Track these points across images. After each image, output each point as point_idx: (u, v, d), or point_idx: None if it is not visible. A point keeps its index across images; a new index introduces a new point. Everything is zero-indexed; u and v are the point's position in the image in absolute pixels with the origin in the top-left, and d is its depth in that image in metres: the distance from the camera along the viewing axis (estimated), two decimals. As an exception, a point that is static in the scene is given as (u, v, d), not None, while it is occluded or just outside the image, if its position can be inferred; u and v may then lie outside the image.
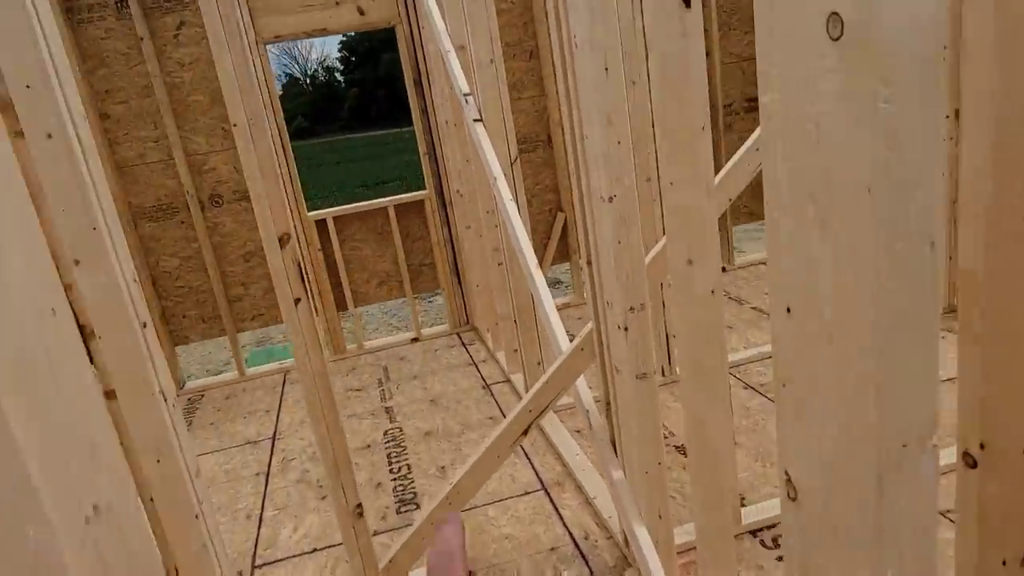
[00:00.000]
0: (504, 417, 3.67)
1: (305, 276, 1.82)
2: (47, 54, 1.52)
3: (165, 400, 1.80)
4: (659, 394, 2.14)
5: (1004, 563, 0.90)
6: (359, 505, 2.05)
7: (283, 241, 1.78)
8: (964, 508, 0.91)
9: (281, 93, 57.84)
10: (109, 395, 1.74)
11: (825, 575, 0.79)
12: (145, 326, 1.76)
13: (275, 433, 3.90)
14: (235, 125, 1.71)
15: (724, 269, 5.36)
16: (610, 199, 1.91)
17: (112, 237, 1.67)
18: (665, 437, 3.14)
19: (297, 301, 1.83)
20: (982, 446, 0.86)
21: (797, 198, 0.68)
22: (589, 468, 2.93)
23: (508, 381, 4.08)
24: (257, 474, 3.47)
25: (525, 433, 2.37)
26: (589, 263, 2.18)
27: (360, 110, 52.78)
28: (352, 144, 40.51)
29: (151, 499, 1.83)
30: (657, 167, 2.78)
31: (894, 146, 0.58)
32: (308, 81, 58.44)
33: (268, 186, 1.75)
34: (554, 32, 2.05)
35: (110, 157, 4.31)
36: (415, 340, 5.04)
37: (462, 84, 3.36)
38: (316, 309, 4.76)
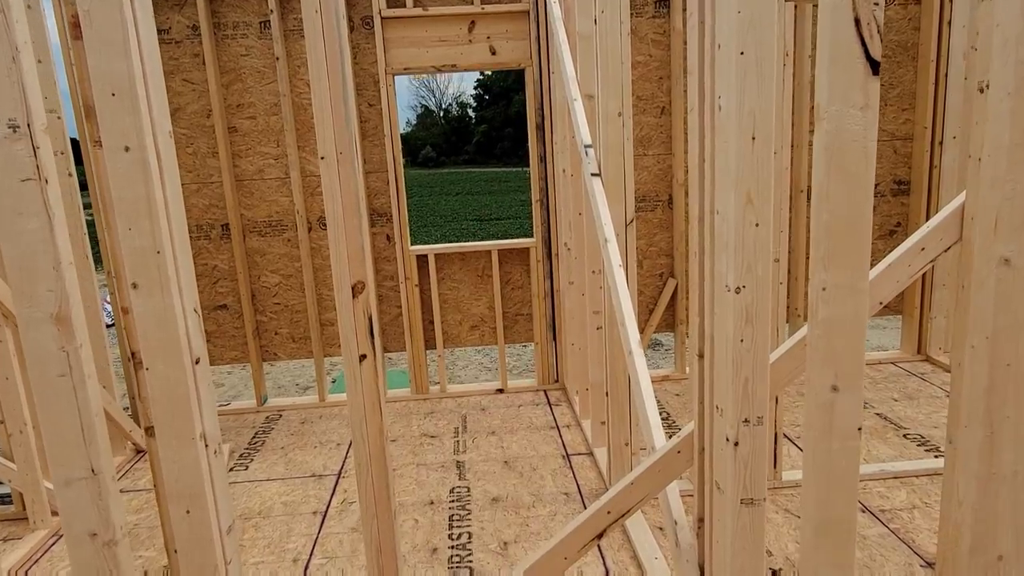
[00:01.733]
0: (580, 495, 3.35)
1: (374, 332, 1.62)
2: (138, 63, 1.41)
3: (206, 446, 1.63)
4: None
5: None
6: (398, 596, 1.80)
7: (357, 290, 1.59)
8: None
9: (415, 124, 60.40)
10: (148, 432, 1.59)
11: None
12: (198, 362, 1.61)
13: (341, 470, 3.75)
14: (322, 158, 1.55)
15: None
16: (737, 290, 1.61)
17: (177, 263, 1.53)
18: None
19: (362, 358, 1.63)
20: None
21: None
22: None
23: (591, 454, 3.76)
24: (315, 512, 3.30)
25: (600, 537, 2.06)
26: (701, 356, 1.87)
27: (486, 146, 54.08)
28: (474, 178, 41.43)
29: (175, 551, 1.66)
30: (790, 260, 2.43)
31: None
32: (441, 114, 60.67)
33: (349, 227, 1.57)
34: (694, 91, 1.79)
35: (231, 169, 4.38)
36: (500, 391, 4.81)
37: (585, 135, 3.14)
38: (404, 344, 4.64)
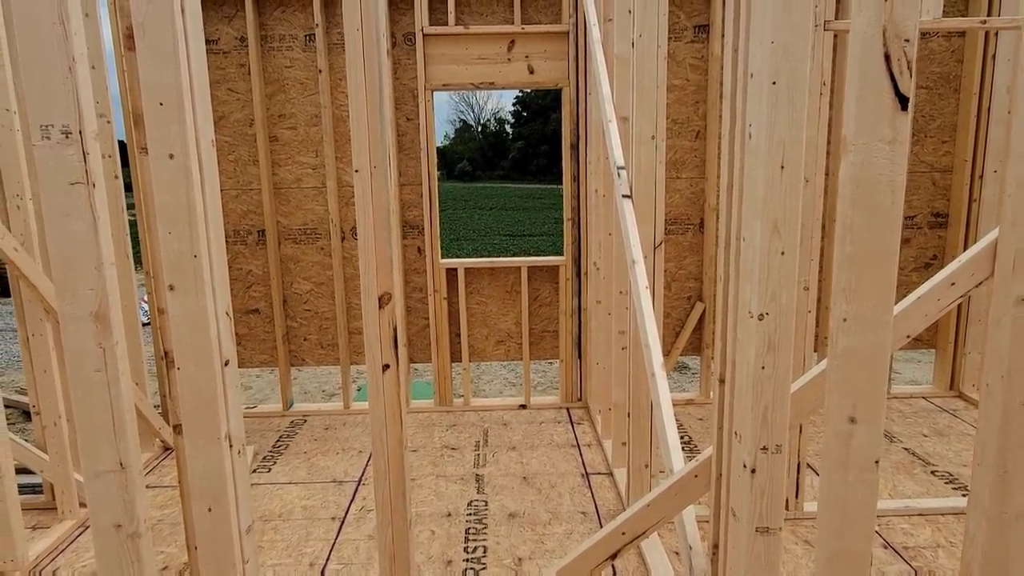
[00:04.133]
0: (598, 515, 3.34)
1: (398, 343, 1.65)
2: (186, 75, 1.47)
3: (231, 447, 1.67)
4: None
5: None
6: (410, 605, 1.82)
7: (383, 301, 1.63)
8: None
9: (453, 137, 61.01)
10: (176, 430, 1.64)
11: None
12: (227, 364, 1.65)
13: (362, 477, 3.78)
14: (357, 171, 1.59)
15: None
16: (760, 317, 1.61)
17: (212, 268, 1.58)
18: (779, 589, 2.67)
19: (385, 368, 1.66)
20: None
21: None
22: (682, 606, 2.53)
23: (611, 474, 3.74)
24: (333, 518, 3.34)
25: (614, 557, 2.05)
26: (722, 381, 1.87)
27: (522, 162, 54.33)
28: (508, 193, 41.64)
29: (195, 547, 1.70)
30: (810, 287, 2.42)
31: None
32: (479, 129, 61.21)
33: (378, 239, 1.61)
34: (726, 117, 1.81)
35: (270, 177, 4.49)
36: (523, 407, 4.81)
37: (618, 156, 3.16)
38: (430, 356, 4.68)
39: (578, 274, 4.66)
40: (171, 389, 1.63)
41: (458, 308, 4.69)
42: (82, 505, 3.39)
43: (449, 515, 3.37)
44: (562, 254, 4.71)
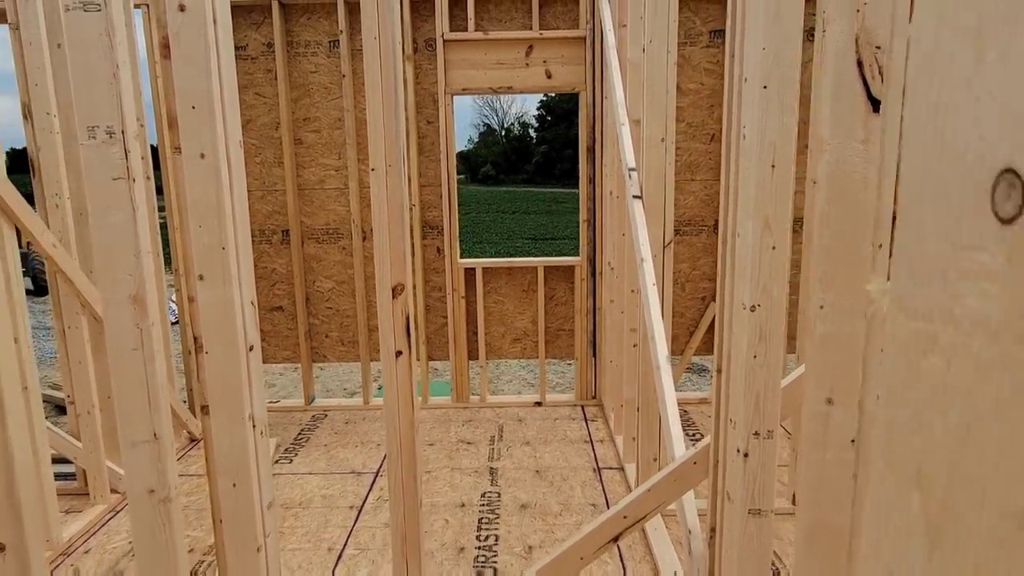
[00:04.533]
0: (607, 506, 3.42)
1: (411, 331, 1.76)
2: (216, 81, 1.60)
3: (254, 427, 1.79)
4: (777, 528, 1.84)
5: None
6: (419, 579, 1.92)
7: (396, 291, 1.74)
8: None
9: (477, 141, 61.29)
10: (204, 410, 1.76)
11: None
12: (251, 349, 1.77)
13: (380, 469, 3.91)
14: (373, 169, 1.71)
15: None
16: (752, 308, 1.69)
17: (239, 259, 1.70)
18: (777, 572, 2.74)
19: (398, 354, 1.77)
20: None
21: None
22: (686, 595, 2.61)
23: (621, 469, 3.82)
24: (351, 507, 3.46)
25: (615, 540, 2.14)
26: (719, 371, 1.95)
27: (545, 166, 54.45)
28: (531, 197, 41.72)
29: (220, 520, 1.82)
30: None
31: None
32: (503, 133, 61.42)
33: (393, 234, 1.72)
34: (725, 120, 1.89)
35: (294, 178, 4.64)
36: (538, 404, 4.91)
37: (629, 158, 3.26)
38: (448, 354, 4.79)
39: (593, 274, 4.75)
40: (199, 373, 1.76)
41: (476, 307, 4.80)
42: (113, 491, 3.55)
43: (463, 505, 3.47)
44: (578, 256, 4.81)
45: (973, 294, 0.41)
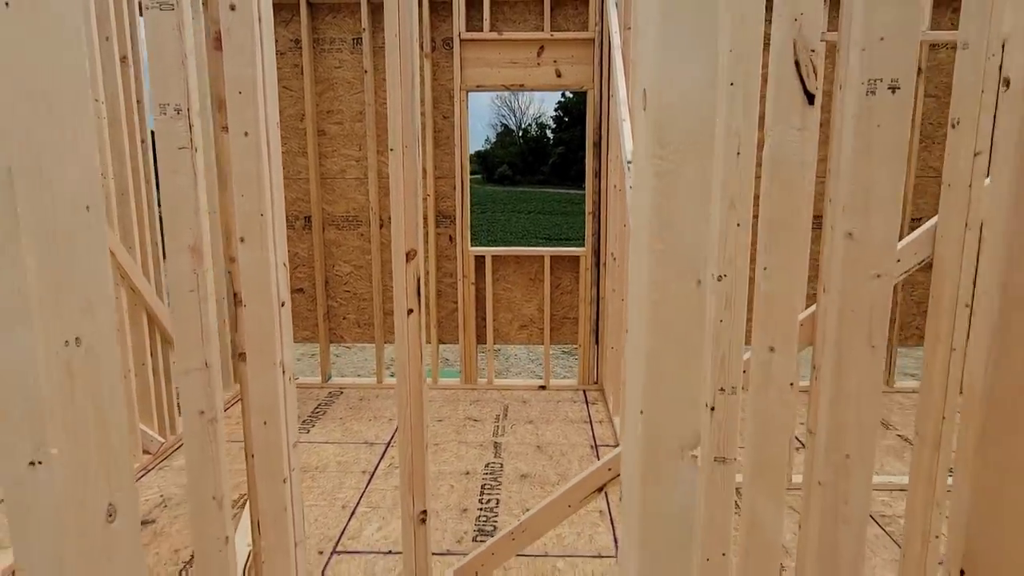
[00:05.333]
0: (602, 490, 3.66)
1: (421, 292, 2.02)
2: (260, 72, 1.87)
3: (283, 372, 2.06)
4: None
5: None
6: (424, 512, 2.18)
7: (409, 256, 2.00)
8: (942, 643, 0.86)
9: (494, 141, 61.53)
10: (240, 357, 2.03)
11: None
12: (283, 305, 2.04)
13: (391, 440, 4.17)
14: (391, 149, 1.97)
15: (881, 391, 4.96)
16: (719, 278, 1.93)
17: (274, 225, 1.97)
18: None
19: (410, 312, 2.03)
20: (963, 572, 0.82)
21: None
22: (668, 551, 2.85)
23: (617, 446, 4.06)
24: (364, 472, 3.73)
25: (600, 490, 2.39)
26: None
27: (562, 167, 54.60)
28: (547, 198, 41.94)
29: (252, 455, 2.09)
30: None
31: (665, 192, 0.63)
32: (520, 133, 61.67)
33: (407, 206, 1.98)
34: (702, 113, 2.14)
35: (317, 167, 4.93)
36: (542, 388, 5.16)
37: (628, 152, 3.50)
38: (458, 337, 5.05)
39: (597, 264, 4.99)
40: (238, 324, 2.03)
41: (485, 293, 5.05)
42: (145, 452, 3.84)
43: (468, 473, 3.73)
44: (583, 247, 5.05)
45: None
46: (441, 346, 5.22)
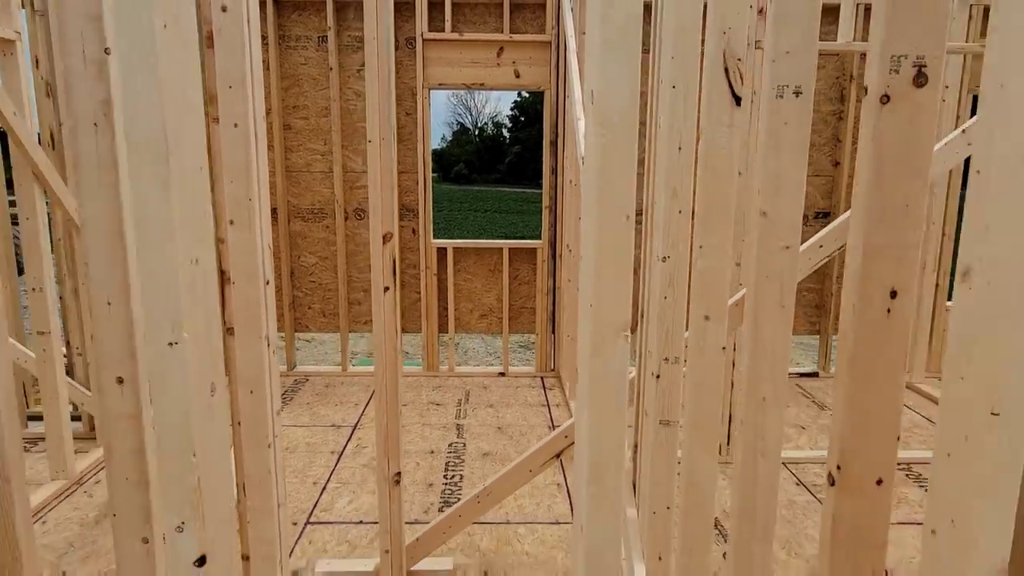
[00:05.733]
0: (559, 457, 3.90)
1: (395, 271, 2.22)
2: (249, 68, 2.04)
3: (268, 346, 2.23)
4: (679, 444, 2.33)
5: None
6: (398, 474, 2.38)
7: (386, 239, 2.19)
8: (826, 521, 1.11)
9: (450, 140, 61.42)
10: (229, 331, 2.20)
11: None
12: (268, 283, 2.21)
13: (357, 423, 4.34)
14: (370, 141, 2.16)
15: (817, 375, 5.33)
16: (663, 259, 2.18)
17: (260, 209, 2.15)
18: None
19: (386, 289, 2.22)
20: (838, 467, 1.07)
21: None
22: (620, 515, 3.10)
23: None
24: (332, 452, 3.90)
25: (557, 456, 2.62)
26: (642, 314, 2.44)
27: (518, 167, 54.89)
28: (504, 196, 42.16)
29: (239, 423, 2.26)
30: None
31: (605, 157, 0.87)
32: (476, 132, 61.75)
33: (384, 193, 2.18)
34: (648, 114, 2.38)
35: (283, 161, 5.05)
36: (501, 374, 5.38)
37: (582, 149, 3.74)
38: (420, 326, 5.24)
39: (553, 256, 5.24)
40: (226, 302, 2.19)
41: (447, 284, 5.25)
42: (116, 435, 3.93)
43: (432, 452, 3.93)
44: (540, 240, 5.29)
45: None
46: (404, 335, 5.39)
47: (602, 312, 0.94)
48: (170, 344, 1.04)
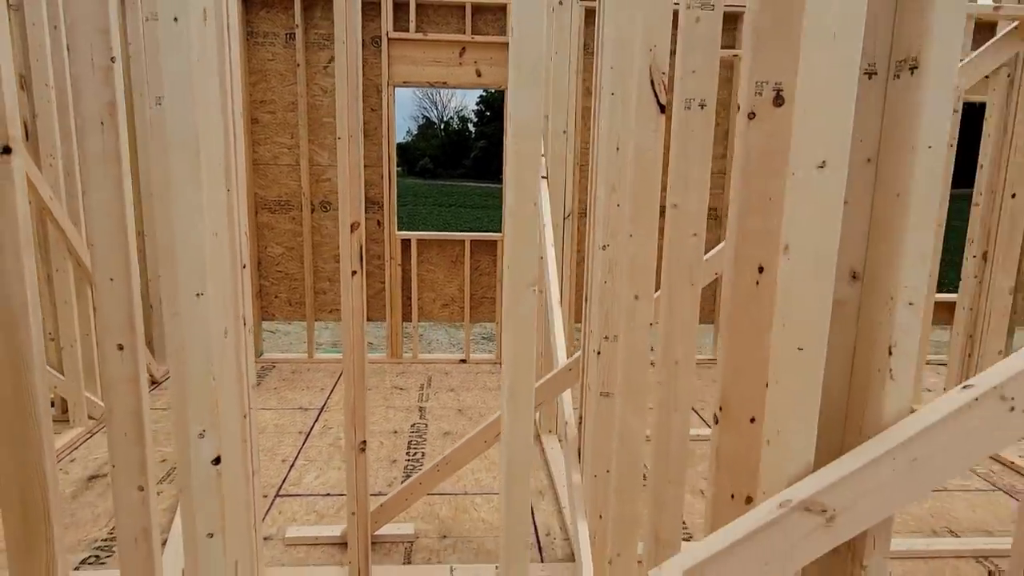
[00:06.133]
0: (516, 436, 4.16)
1: (362, 256, 2.43)
2: (228, 70, 2.24)
3: (244, 325, 2.43)
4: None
5: (732, 497, 1.36)
6: (364, 442, 2.60)
7: (354, 227, 2.41)
8: (711, 453, 1.37)
9: (415, 134, 61.17)
10: (208, 310, 2.39)
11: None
12: (244, 267, 2.41)
13: (324, 406, 4.54)
14: (339, 138, 2.38)
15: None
16: (603, 247, 2.44)
17: (238, 199, 2.34)
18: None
19: (354, 273, 2.44)
20: (720, 408, 1.33)
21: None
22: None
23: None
24: (300, 432, 4.09)
25: (511, 428, 2.87)
26: (586, 299, 2.70)
27: (484, 161, 54.99)
28: (469, 191, 42.25)
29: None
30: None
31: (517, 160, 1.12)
32: (442, 126, 61.66)
33: (352, 185, 2.39)
34: (593, 117, 2.64)
35: (250, 155, 5.20)
36: (463, 361, 5.62)
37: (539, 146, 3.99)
38: (385, 315, 5.44)
39: (513, 248, 5.48)
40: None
41: (410, 274, 5.46)
42: (90, 417, 4.07)
43: (396, 432, 4.15)
44: (500, 232, 5.53)
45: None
46: (369, 324, 5.59)
47: (516, 272, 1.20)
48: (197, 295, 1.27)
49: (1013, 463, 3.68)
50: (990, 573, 2.76)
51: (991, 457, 3.81)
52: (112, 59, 1.53)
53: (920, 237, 0.90)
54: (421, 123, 62.02)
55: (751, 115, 1.21)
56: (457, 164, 56.72)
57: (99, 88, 1.53)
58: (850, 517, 0.93)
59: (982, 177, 3.87)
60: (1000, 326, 3.83)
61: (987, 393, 0.90)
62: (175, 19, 1.26)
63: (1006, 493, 3.43)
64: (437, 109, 61.91)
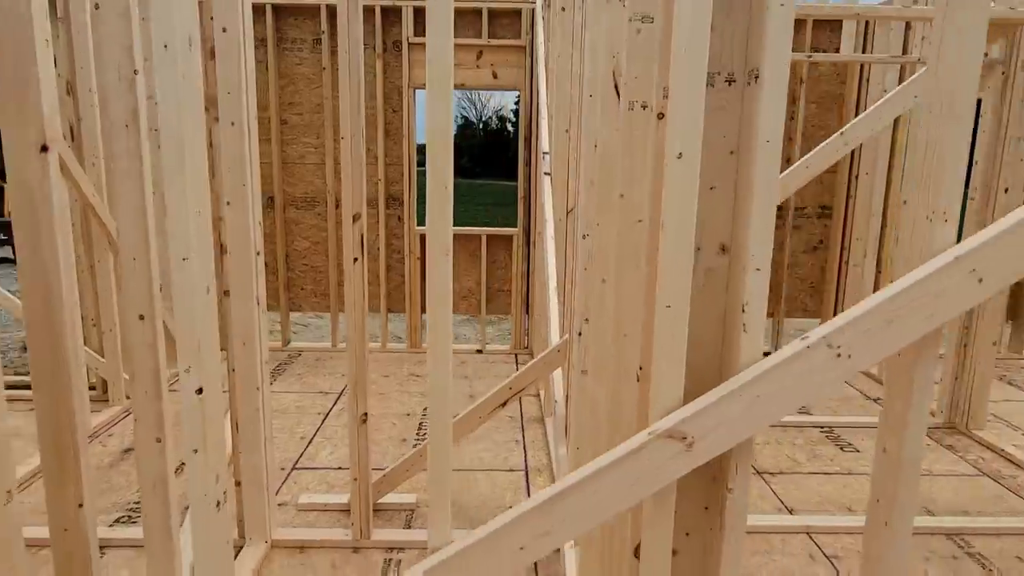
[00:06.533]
0: (521, 418, 4.37)
1: (363, 244, 2.68)
2: (244, 77, 2.51)
3: (258, 305, 2.71)
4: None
5: (652, 448, 1.55)
6: (365, 414, 2.85)
7: (355, 218, 2.66)
8: (639, 405, 1.57)
9: (456, 133, 61.52)
10: (226, 294, 2.67)
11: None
12: (258, 254, 2.68)
13: (343, 390, 4.82)
14: (343, 138, 2.63)
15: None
16: (584, 236, 2.64)
17: (252, 193, 2.61)
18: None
19: (355, 260, 2.69)
20: (641, 368, 1.53)
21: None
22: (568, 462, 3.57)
23: (538, 396, 4.78)
24: (319, 413, 4.37)
25: (503, 405, 3.09)
26: (573, 285, 2.91)
27: (520, 161, 54.89)
28: (508, 190, 42.40)
29: (233, 370, 2.73)
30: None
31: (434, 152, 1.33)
32: (480, 126, 61.98)
33: (354, 179, 2.64)
34: (576, 118, 2.85)
35: (280, 154, 5.52)
36: (479, 351, 5.85)
37: (544, 144, 4.20)
38: (404, 308, 5.71)
39: (528, 243, 5.70)
40: (224, 269, 2.67)
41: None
42: (128, 397, 4.41)
43: (408, 414, 4.40)
44: (516, 227, 5.75)
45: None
46: (390, 315, 5.87)
47: (435, 238, 1.43)
48: (184, 259, 1.53)
49: (1003, 451, 3.76)
50: (959, 547, 2.89)
51: (983, 445, 3.89)
52: (135, 71, 1.79)
53: (763, 215, 1.09)
54: (460, 123, 62.41)
55: (660, 115, 1.41)
56: (496, 163, 56.97)
57: (124, 96, 1.79)
58: (706, 444, 1.13)
59: (977, 173, 3.96)
60: (994, 318, 3.92)
61: (817, 342, 1.09)
62: (165, 46, 1.49)
63: (991, 478, 3.52)
64: (476, 109, 62.29)
